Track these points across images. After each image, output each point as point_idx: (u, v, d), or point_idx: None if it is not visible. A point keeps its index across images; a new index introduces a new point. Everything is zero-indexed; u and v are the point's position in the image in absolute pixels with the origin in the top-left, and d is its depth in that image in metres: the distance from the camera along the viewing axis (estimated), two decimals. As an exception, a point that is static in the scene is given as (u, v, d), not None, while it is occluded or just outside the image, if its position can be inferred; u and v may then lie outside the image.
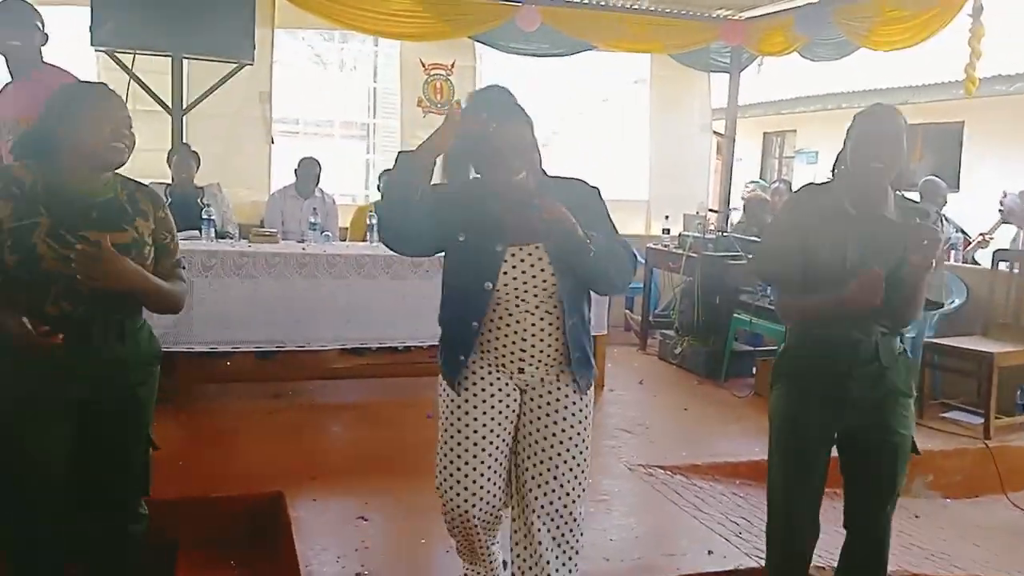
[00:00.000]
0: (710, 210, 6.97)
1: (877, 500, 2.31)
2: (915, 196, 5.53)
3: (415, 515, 2.96)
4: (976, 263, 5.86)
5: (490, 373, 2.16)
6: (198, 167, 5.34)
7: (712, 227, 6.41)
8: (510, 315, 2.12)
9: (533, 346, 2.12)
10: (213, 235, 4.54)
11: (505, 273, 2.08)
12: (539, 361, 2.14)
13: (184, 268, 2.22)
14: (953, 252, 5.58)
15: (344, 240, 5.65)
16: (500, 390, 2.16)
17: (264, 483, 3.16)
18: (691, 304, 5.70)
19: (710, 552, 2.87)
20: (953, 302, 5.05)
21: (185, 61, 5.46)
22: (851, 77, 9.08)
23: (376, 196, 5.89)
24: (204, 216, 4.55)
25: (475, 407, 2.14)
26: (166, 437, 2.29)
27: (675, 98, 7.72)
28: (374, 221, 4.96)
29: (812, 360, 2.29)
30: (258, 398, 4.38)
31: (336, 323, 4.36)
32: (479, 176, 2.14)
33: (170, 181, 5.28)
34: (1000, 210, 5.96)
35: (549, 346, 2.14)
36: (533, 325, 2.12)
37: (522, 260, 2.09)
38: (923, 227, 2.08)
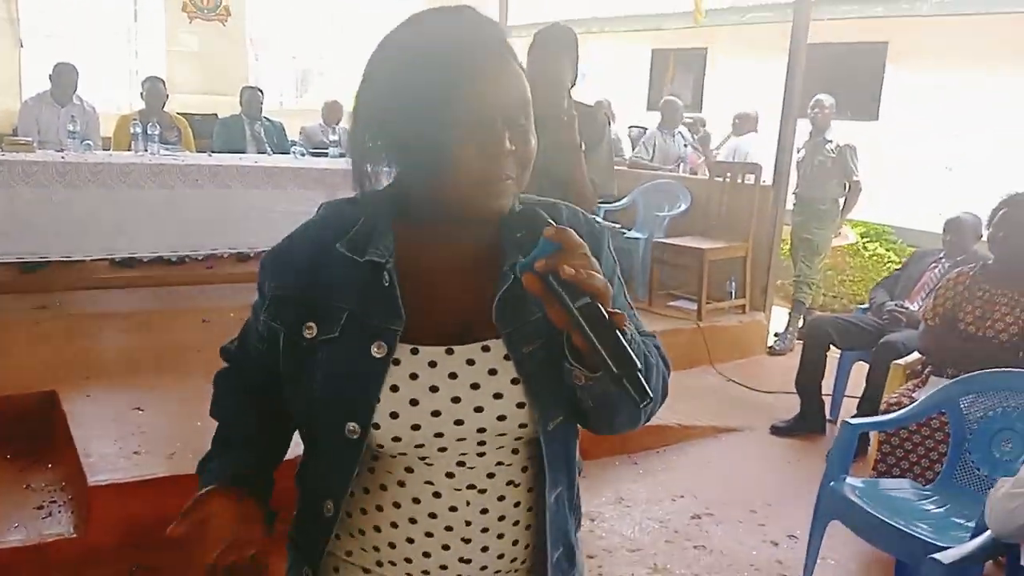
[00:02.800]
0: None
1: None
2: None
3: (189, 403, 3.20)
4: (696, 173, 6.76)
5: None
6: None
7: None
8: (410, 490, 1.00)
9: (465, 552, 1.01)
10: (-42, 143, 4.33)
11: (398, 400, 0.97)
12: None
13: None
14: (682, 164, 6.42)
15: (108, 150, 5.51)
16: None
17: (35, 384, 3.26)
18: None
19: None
20: (680, 207, 5.87)
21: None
22: (598, 2, 9.77)
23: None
24: (-54, 123, 4.31)
25: None
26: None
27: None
28: (138, 130, 4.91)
29: None
30: (24, 309, 4.32)
31: (103, 234, 4.34)
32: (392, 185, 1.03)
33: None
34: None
35: (502, 549, 1.03)
36: (469, 508, 1.00)
37: (446, 374, 0.98)
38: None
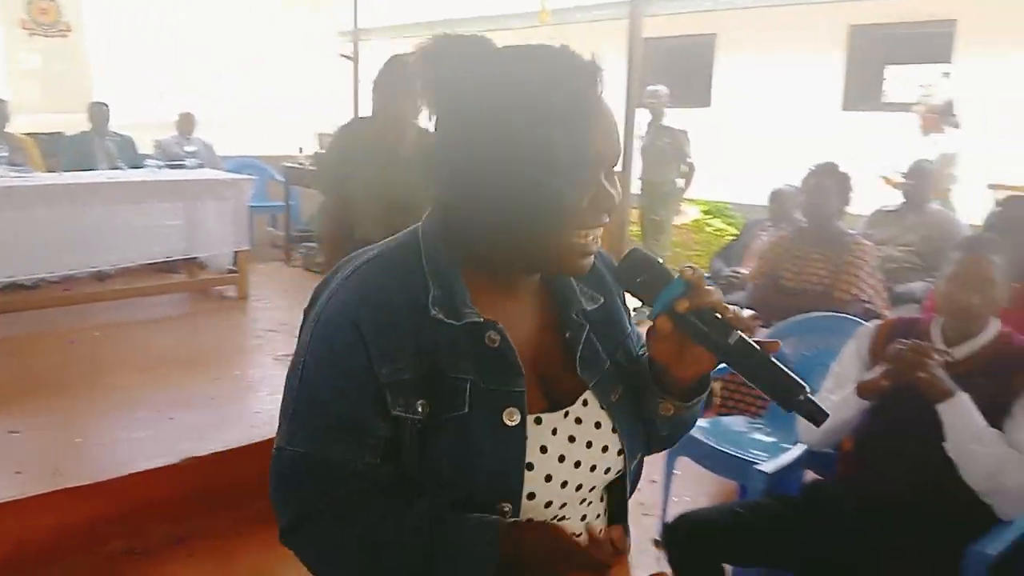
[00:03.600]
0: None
1: None
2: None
3: (68, 422, 3.22)
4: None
5: None
6: None
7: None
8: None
9: None
10: None
11: (534, 478, 0.93)
12: None
13: None
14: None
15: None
16: None
17: None
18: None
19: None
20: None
21: None
22: (445, 4, 10.05)
23: None
24: None
25: None
26: None
27: (305, 20, 8.03)
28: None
29: None
30: None
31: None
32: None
33: None
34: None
35: None
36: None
37: (566, 438, 0.96)
38: None
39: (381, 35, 11.18)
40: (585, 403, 0.96)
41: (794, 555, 1.97)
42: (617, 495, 1.03)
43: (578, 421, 0.95)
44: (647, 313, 0.91)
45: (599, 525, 1.01)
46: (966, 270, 1.89)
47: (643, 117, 6.15)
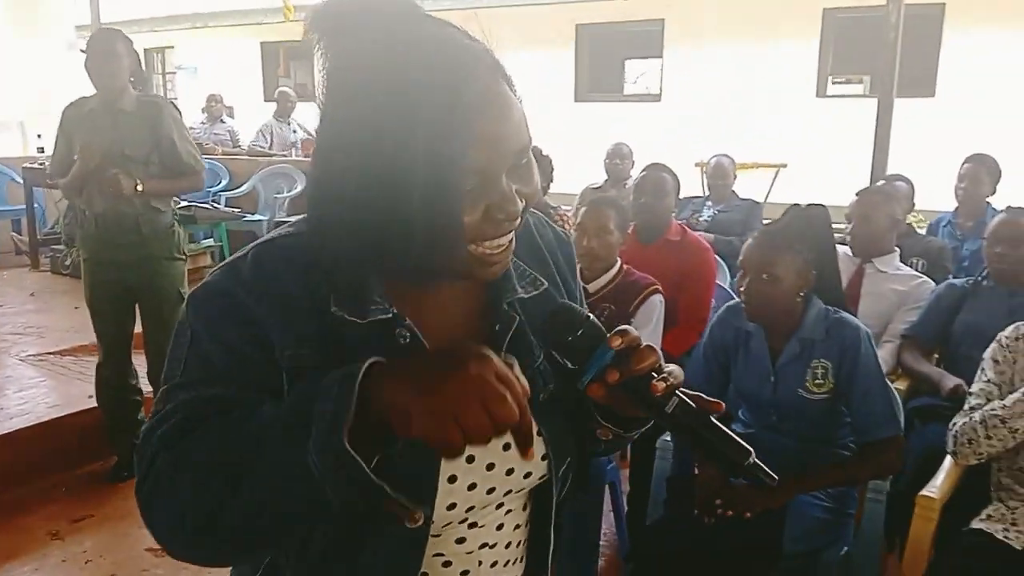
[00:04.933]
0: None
1: None
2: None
3: None
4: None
5: None
6: None
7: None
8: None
9: None
10: None
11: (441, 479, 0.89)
12: None
13: None
14: (294, 150, 6.96)
15: None
16: None
17: None
18: (75, 216, 6.09)
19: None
20: (297, 188, 6.42)
21: None
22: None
23: None
24: None
25: None
26: None
27: (32, 14, 7.64)
28: None
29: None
30: None
31: None
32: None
33: None
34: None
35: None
36: (482, 567, 0.93)
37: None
38: None
39: (126, 29, 10.79)
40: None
41: None
42: (543, 502, 0.93)
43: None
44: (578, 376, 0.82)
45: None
46: (586, 221, 2.45)
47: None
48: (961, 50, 8.09)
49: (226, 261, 0.82)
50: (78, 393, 3.67)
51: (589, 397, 0.81)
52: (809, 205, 2.11)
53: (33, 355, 4.23)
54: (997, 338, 2.13)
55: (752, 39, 8.76)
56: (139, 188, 2.97)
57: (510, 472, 0.87)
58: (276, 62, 11.44)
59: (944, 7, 8.15)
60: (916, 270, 3.20)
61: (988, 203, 3.99)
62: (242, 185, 6.52)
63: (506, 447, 0.84)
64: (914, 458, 2.40)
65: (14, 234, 7.03)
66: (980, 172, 3.96)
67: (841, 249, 3.19)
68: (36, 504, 3.09)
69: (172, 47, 12.34)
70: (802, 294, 2.04)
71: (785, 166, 7.93)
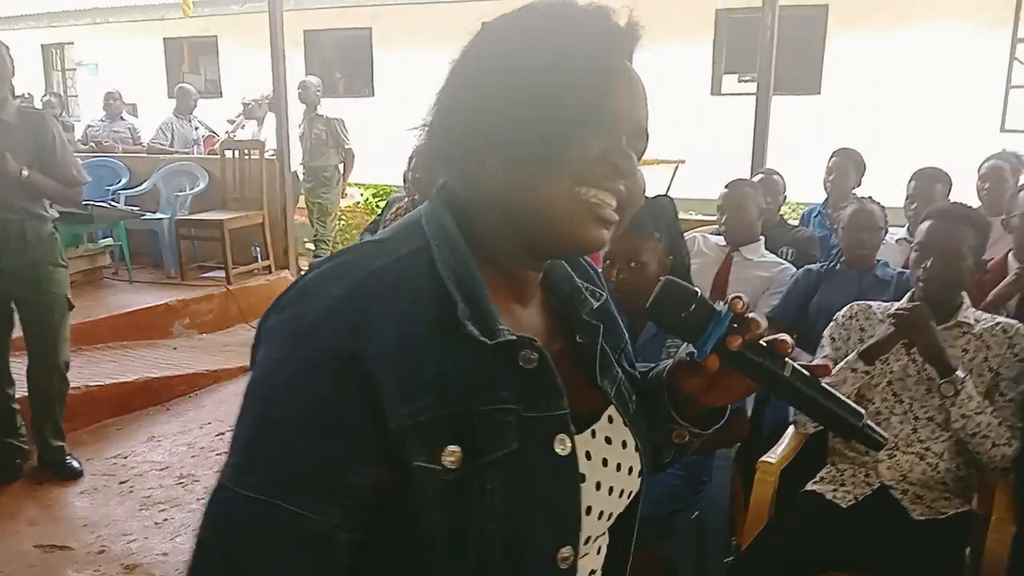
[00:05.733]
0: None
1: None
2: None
3: None
4: (216, 154, 7.29)
5: None
6: None
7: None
8: None
9: None
10: None
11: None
12: None
13: None
14: (196, 147, 6.88)
15: None
16: None
17: None
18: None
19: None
20: (200, 185, 6.34)
21: None
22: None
23: None
24: None
25: None
26: None
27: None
28: None
29: None
30: None
31: None
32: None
33: None
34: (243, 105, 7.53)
35: None
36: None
37: (599, 462, 0.83)
38: None
39: (21, 23, 10.40)
40: (611, 420, 0.83)
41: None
42: (627, 523, 0.88)
43: (607, 441, 0.82)
44: (684, 347, 0.83)
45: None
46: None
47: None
48: (845, 50, 8.55)
49: (320, 303, 0.70)
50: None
51: (668, 398, 0.85)
52: (656, 196, 2.26)
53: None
54: (834, 318, 2.34)
55: (648, 39, 9.03)
56: (25, 173, 3.00)
57: (621, 494, 0.83)
58: (180, 58, 11.21)
59: (827, 8, 8.59)
60: (786, 259, 3.42)
61: (855, 194, 4.27)
62: (142, 183, 6.41)
63: (618, 468, 0.82)
64: (768, 429, 2.60)
65: None
66: (847, 165, 4.24)
67: (713, 238, 3.45)
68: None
69: (72, 43, 11.94)
70: (661, 279, 2.19)
71: (684, 162, 8.22)
